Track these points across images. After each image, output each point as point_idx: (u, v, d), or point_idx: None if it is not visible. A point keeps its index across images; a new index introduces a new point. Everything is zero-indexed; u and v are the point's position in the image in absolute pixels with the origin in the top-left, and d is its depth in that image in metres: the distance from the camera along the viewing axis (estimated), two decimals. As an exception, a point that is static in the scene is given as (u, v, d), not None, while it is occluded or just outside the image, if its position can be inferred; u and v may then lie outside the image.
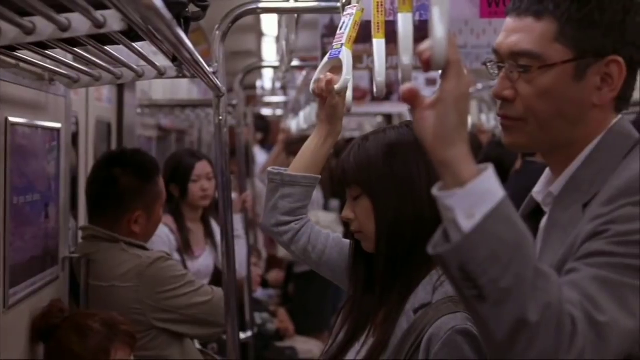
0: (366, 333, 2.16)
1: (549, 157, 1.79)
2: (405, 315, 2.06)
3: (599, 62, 1.66)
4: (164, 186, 3.40)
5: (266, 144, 10.23)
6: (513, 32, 1.72)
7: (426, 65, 1.36)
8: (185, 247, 4.53)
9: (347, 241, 2.37)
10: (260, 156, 9.51)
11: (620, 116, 1.73)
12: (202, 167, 4.69)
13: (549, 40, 1.67)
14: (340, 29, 2.40)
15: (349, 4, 2.45)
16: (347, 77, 2.35)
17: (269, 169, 2.49)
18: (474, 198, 1.36)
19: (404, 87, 1.42)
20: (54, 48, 2.18)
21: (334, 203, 8.24)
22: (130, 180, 3.23)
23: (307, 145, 2.47)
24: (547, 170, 1.81)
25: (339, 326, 2.25)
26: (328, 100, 2.41)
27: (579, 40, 1.66)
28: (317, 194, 6.95)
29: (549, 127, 1.70)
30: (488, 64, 1.78)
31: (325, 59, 2.41)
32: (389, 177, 2.11)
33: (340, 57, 2.35)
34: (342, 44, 2.36)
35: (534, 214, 1.80)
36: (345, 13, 2.42)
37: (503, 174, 5.05)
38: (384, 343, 2.06)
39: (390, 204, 2.11)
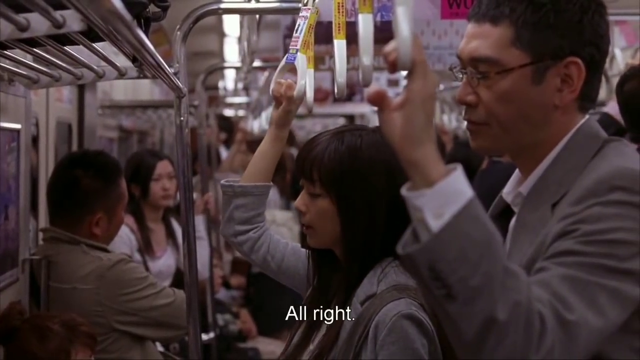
0: (320, 333, 2.20)
1: (516, 159, 1.80)
2: (352, 307, 2.10)
3: (557, 64, 1.68)
4: (126, 188, 3.38)
5: (230, 144, 10.21)
6: (473, 38, 1.73)
7: (392, 66, 1.37)
8: (146, 247, 4.51)
9: (304, 250, 2.40)
10: (224, 156, 9.49)
11: (587, 117, 1.75)
12: (163, 167, 4.69)
13: (506, 45, 1.69)
14: (296, 32, 2.41)
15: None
16: (301, 84, 2.37)
17: (222, 181, 2.49)
18: (443, 198, 1.37)
19: (370, 89, 1.42)
20: (13, 48, 2.17)
21: (295, 204, 8.22)
22: (91, 182, 3.21)
23: (257, 152, 2.49)
24: (517, 171, 1.82)
25: (295, 328, 2.29)
26: (284, 105, 2.43)
27: (535, 43, 1.67)
28: (274, 194, 6.94)
29: (512, 131, 1.72)
30: (454, 69, 1.80)
31: (283, 61, 2.43)
32: (363, 190, 2.13)
33: (295, 63, 2.37)
34: (297, 50, 2.38)
35: (503, 214, 1.81)
36: (300, 15, 2.42)
37: (470, 175, 5.08)
38: (334, 337, 2.11)
39: (361, 218, 2.13)
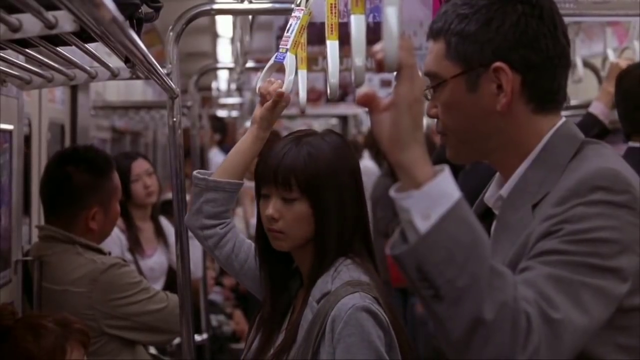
0: (280, 336, 2.24)
1: (493, 164, 1.83)
2: (309, 306, 2.15)
3: (487, 70, 1.70)
4: (119, 181, 3.37)
5: (224, 145, 10.22)
6: (428, 55, 1.79)
7: (379, 66, 1.38)
8: (136, 246, 4.50)
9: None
10: (218, 157, 9.47)
11: (563, 119, 1.76)
12: (139, 166, 4.67)
13: (441, 58, 1.74)
14: (287, 31, 2.41)
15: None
16: (289, 80, 2.38)
17: (194, 173, 2.49)
18: (430, 199, 1.38)
19: (360, 91, 1.44)
20: (5, 49, 2.16)
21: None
22: (84, 177, 3.19)
23: (235, 149, 2.49)
24: (497, 175, 1.84)
25: (254, 334, 2.32)
26: (269, 105, 2.41)
27: (464, 53, 1.72)
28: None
29: (464, 139, 1.77)
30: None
31: (271, 60, 2.43)
32: (336, 190, 2.20)
33: (285, 62, 2.37)
34: (287, 49, 2.38)
35: (485, 217, 1.82)
36: (292, 14, 2.43)
37: (456, 175, 5.08)
38: (292, 337, 2.16)
39: (335, 217, 2.20)
